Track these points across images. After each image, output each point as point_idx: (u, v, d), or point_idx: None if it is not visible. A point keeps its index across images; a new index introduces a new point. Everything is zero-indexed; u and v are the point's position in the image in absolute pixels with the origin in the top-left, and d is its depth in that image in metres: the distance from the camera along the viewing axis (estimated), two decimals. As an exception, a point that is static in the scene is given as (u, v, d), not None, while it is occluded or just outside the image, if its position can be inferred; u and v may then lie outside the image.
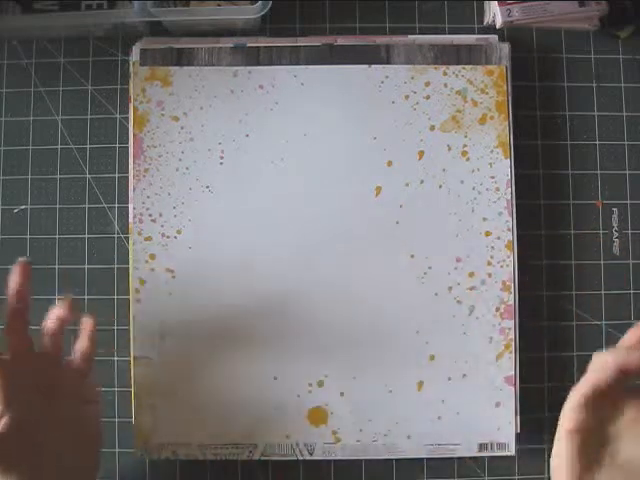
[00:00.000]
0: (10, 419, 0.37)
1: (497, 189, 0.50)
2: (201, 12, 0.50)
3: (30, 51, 0.53)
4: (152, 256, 0.50)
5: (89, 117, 0.52)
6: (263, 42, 0.51)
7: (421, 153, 0.50)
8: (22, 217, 0.52)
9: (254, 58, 0.51)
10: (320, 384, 0.49)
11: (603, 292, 0.51)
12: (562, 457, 0.35)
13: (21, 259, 0.42)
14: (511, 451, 0.49)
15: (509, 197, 0.50)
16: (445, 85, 0.51)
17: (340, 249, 0.50)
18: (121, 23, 0.50)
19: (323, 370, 0.49)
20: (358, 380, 0.49)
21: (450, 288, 0.50)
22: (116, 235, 0.52)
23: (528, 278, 0.51)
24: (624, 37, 0.53)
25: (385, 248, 0.50)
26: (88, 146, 0.52)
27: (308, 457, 0.49)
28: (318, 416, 0.49)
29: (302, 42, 0.51)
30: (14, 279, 0.41)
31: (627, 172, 0.52)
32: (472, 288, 0.50)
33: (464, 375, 0.49)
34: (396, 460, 0.50)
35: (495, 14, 0.51)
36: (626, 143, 0.52)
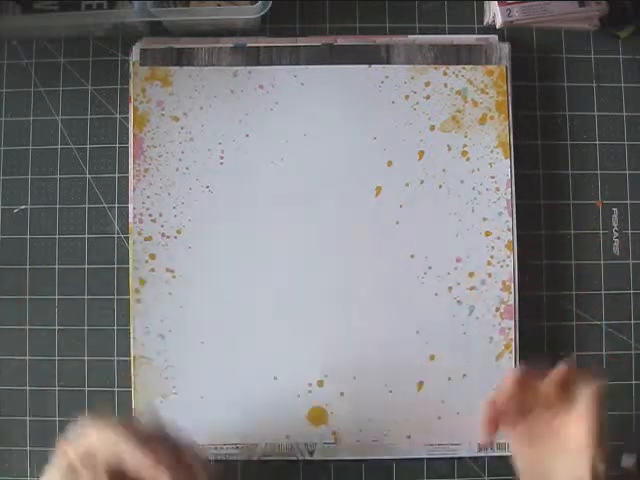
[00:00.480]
0: None
1: (497, 189, 0.50)
2: (201, 12, 0.50)
3: (30, 51, 0.53)
4: (152, 256, 0.50)
5: (89, 117, 0.52)
6: (263, 42, 0.51)
7: (421, 153, 0.50)
8: (22, 217, 0.52)
9: (254, 58, 0.51)
10: (320, 384, 0.49)
11: (603, 292, 0.51)
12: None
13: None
14: (511, 451, 0.49)
15: (509, 197, 0.50)
16: (445, 85, 0.51)
17: (340, 249, 0.50)
18: (121, 23, 0.50)
19: (323, 370, 0.49)
20: (358, 380, 0.49)
21: (450, 288, 0.50)
22: (116, 235, 0.52)
23: (528, 278, 0.51)
24: (624, 37, 0.53)
25: (385, 248, 0.50)
26: (88, 146, 0.52)
27: (308, 457, 0.49)
28: (318, 416, 0.49)
29: (302, 42, 0.51)
30: None
31: (627, 172, 0.52)
32: (472, 288, 0.50)
33: (464, 375, 0.49)
34: (396, 460, 0.50)
35: (495, 14, 0.51)
36: (626, 143, 0.52)
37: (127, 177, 0.51)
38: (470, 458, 0.50)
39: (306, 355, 0.49)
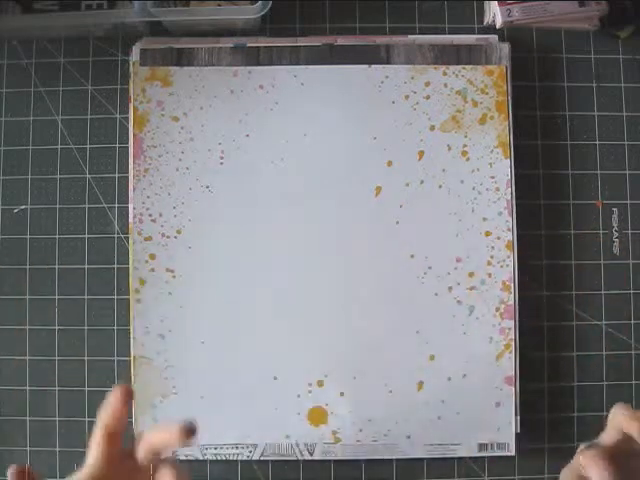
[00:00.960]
0: None
1: (497, 189, 0.50)
2: (201, 12, 0.50)
3: (30, 51, 0.53)
4: (152, 256, 0.50)
5: (89, 117, 0.52)
6: (263, 42, 0.51)
7: (421, 153, 0.50)
8: (22, 217, 0.52)
9: (254, 58, 0.51)
10: (320, 384, 0.49)
11: (603, 292, 0.51)
12: None
13: (122, 385, 0.39)
14: (511, 451, 0.49)
15: (509, 197, 0.50)
16: (445, 85, 0.51)
17: (340, 249, 0.50)
18: (121, 23, 0.50)
19: (323, 370, 0.49)
20: (358, 380, 0.49)
21: (450, 288, 0.50)
22: (116, 235, 0.52)
23: (528, 278, 0.51)
24: (624, 37, 0.53)
25: (385, 248, 0.50)
26: (88, 146, 0.52)
27: (308, 457, 0.49)
28: (318, 416, 0.49)
29: (302, 42, 0.51)
30: (114, 402, 0.39)
31: (627, 172, 0.52)
32: (472, 288, 0.50)
33: (464, 375, 0.49)
34: (396, 460, 0.50)
35: (495, 14, 0.51)
36: (626, 143, 0.52)
37: (127, 177, 0.51)
38: (470, 458, 0.50)
39: (306, 355, 0.49)
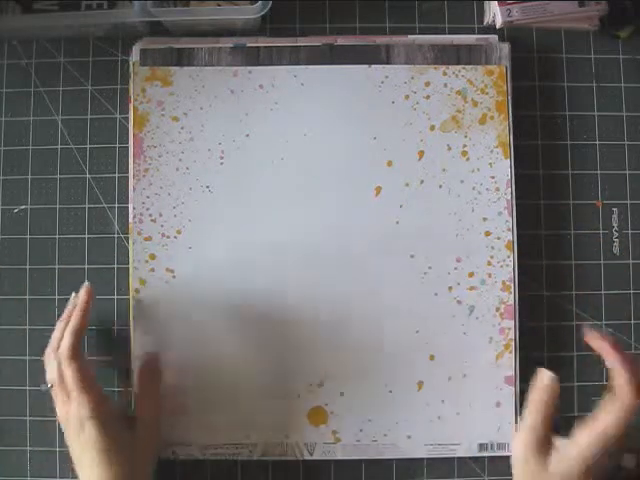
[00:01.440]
0: None
1: (497, 189, 0.50)
2: (201, 12, 0.50)
3: (30, 51, 0.53)
4: (152, 256, 0.50)
5: (89, 117, 0.52)
6: (263, 42, 0.51)
7: (421, 153, 0.50)
8: (22, 217, 0.52)
9: (254, 58, 0.51)
10: (320, 384, 0.49)
11: (603, 292, 0.51)
12: None
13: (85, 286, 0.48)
14: (511, 451, 0.49)
15: (509, 197, 0.50)
16: (445, 85, 0.51)
17: (340, 249, 0.50)
18: (121, 23, 0.50)
19: (323, 370, 0.49)
20: (358, 380, 0.49)
21: (450, 288, 0.50)
22: (116, 235, 0.52)
23: (528, 278, 0.51)
24: (624, 37, 0.53)
25: (385, 248, 0.50)
26: (88, 146, 0.52)
27: (308, 457, 0.49)
28: (318, 416, 0.49)
29: (302, 42, 0.51)
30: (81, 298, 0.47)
31: (627, 172, 0.52)
32: (472, 288, 0.50)
33: (464, 375, 0.49)
34: (396, 460, 0.50)
35: (495, 14, 0.51)
36: (626, 143, 0.52)
37: (127, 177, 0.51)
38: (470, 458, 0.50)
39: (306, 355, 0.49)
